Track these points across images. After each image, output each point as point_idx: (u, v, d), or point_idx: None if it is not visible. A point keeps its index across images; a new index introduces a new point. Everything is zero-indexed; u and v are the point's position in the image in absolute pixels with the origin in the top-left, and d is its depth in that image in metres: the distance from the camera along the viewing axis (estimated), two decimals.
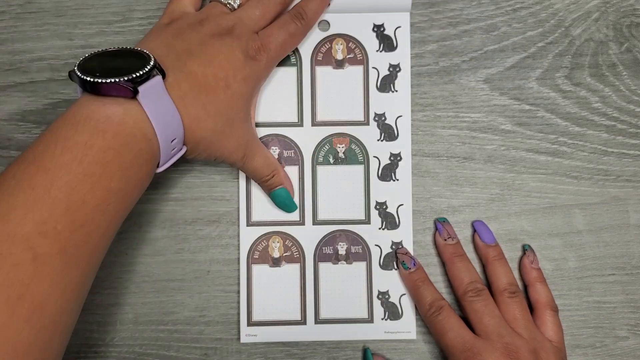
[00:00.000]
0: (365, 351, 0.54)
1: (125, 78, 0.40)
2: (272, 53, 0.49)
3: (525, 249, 0.55)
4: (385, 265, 0.55)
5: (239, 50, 0.47)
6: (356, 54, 0.55)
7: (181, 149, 0.46)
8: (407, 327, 0.54)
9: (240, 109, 0.48)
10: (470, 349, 0.48)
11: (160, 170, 0.45)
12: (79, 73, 0.41)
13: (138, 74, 0.40)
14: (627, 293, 0.55)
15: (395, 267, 0.55)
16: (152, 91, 0.41)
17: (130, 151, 0.41)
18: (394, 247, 0.55)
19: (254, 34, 0.48)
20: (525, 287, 0.54)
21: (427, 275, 0.53)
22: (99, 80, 0.40)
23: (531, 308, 0.53)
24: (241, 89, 0.47)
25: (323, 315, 0.54)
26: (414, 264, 0.53)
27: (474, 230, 0.55)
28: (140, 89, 0.40)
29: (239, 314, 0.54)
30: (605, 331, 0.55)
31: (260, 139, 0.55)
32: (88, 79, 0.40)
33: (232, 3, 0.50)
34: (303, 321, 0.54)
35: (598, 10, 0.56)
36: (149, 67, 0.41)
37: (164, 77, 0.43)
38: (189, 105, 0.44)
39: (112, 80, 0.40)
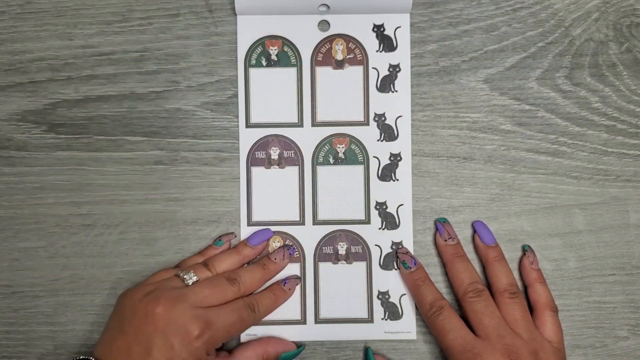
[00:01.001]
0: (366, 350, 0.54)
1: None
2: (216, 333, 0.48)
3: (525, 249, 0.55)
4: (385, 265, 0.55)
5: (175, 335, 0.46)
6: (356, 54, 0.55)
7: None
8: (407, 327, 0.54)
9: None
10: (471, 350, 0.48)
11: None
12: None
13: None
14: (627, 293, 0.55)
15: (396, 267, 0.55)
16: None
17: None
18: (394, 247, 0.55)
19: (199, 309, 0.48)
20: (525, 287, 0.54)
21: (427, 275, 0.53)
22: None
23: (531, 309, 0.53)
24: None
25: (323, 315, 0.54)
26: (415, 264, 0.53)
27: (474, 231, 0.55)
28: None
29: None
30: (606, 331, 0.55)
31: (261, 139, 0.55)
32: None
33: (187, 278, 0.50)
34: (303, 321, 0.54)
35: (598, 10, 0.56)
36: None
37: None
38: None
39: None
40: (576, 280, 0.55)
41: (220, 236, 0.54)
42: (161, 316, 0.46)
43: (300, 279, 0.55)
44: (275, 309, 0.53)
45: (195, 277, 0.50)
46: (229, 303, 0.50)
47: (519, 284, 0.54)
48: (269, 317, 0.54)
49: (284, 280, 0.54)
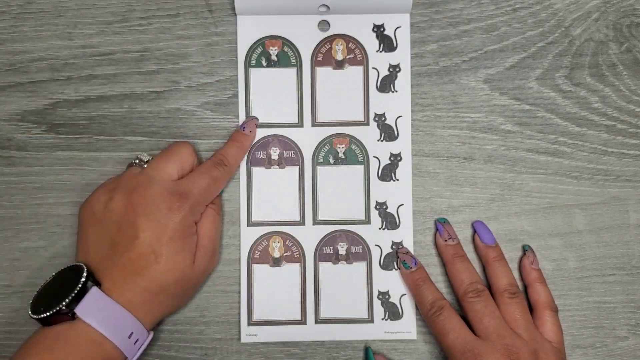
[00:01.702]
0: (366, 350, 0.54)
1: (56, 309, 0.44)
2: (196, 198, 0.49)
3: (525, 249, 0.55)
4: (385, 265, 0.55)
5: (158, 212, 0.47)
6: (356, 55, 0.55)
7: (147, 337, 0.48)
8: (408, 327, 0.54)
9: (179, 264, 0.48)
10: (471, 350, 0.48)
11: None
12: (29, 313, 0.45)
13: (68, 300, 0.44)
14: (627, 293, 0.55)
15: (396, 267, 0.55)
16: (91, 304, 0.45)
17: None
18: (394, 247, 0.55)
19: (172, 183, 0.49)
20: (525, 287, 0.54)
21: (428, 275, 0.53)
22: (36, 317, 0.45)
23: (531, 308, 0.53)
24: (172, 250, 0.47)
25: (323, 315, 0.54)
26: (415, 264, 0.53)
27: (474, 231, 0.55)
28: (78, 309, 0.44)
29: (239, 313, 0.54)
30: (605, 331, 0.55)
31: (261, 139, 0.55)
32: (33, 316, 0.45)
33: (142, 158, 0.51)
34: (303, 321, 0.54)
35: (598, 10, 0.56)
36: (80, 286, 0.45)
37: (100, 284, 0.46)
38: (133, 297, 0.46)
39: (45, 315, 0.44)
40: (576, 280, 0.55)
41: (243, 123, 0.55)
42: (137, 203, 0.47)
43: (257, 117, 0.55)
44: (245, 154, 0.54)
45: (148, 157, 0.52)
46: (197, 168, 0.51)
47: (519, 284, 0.54)
48: (269, 318, 0.54)
49: (242, 126, 0.54)
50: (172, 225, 0.47)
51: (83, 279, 0.45)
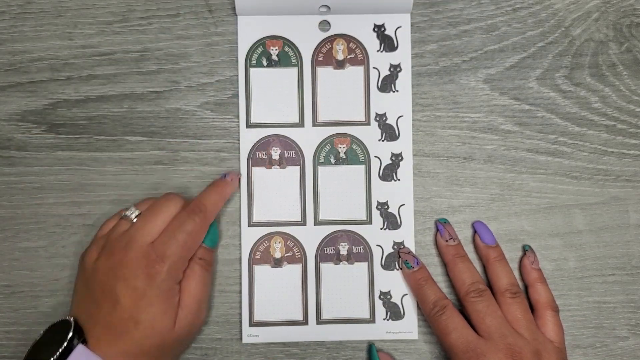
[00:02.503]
0: (370, 347, 0.54)
1: None
2: (173, 258, 0.48)
3: (526, 249, 0.55)
4: (387, 265, 0.55)
5: (136, 278, 0.47)
6: (357, 54, 0.55)
7: None
8: (409, 327, 0.54)
9: (159, 330, 0.47)
10: (474, 350, 0.48)
11: None
12: None
13: (55, 357, 0.44)
14: (627, 293, 0.55)
15: (398, 267, 0.55)
16: None
17: None
18: (395, 247, 0.55)
19: (148, 247, 0.48)
20: (526, 287, 0.54)
21: (430, 275, 0.53)
22: None
23: (532, 308, 0.53)
24: (150, 316, 0.47)
25: (325, 315, 0.54)
26: (417, 263, 0.54)
27: (474, 231, 0.55)
28: None
29: (240, 314, 0.54)
30: (606, 331, 0.55)
31: (261, 139, 0.55)
32: None
33: (129, 215, 0.51)
34: (305, 321, 0.54)
35: (598, 10, 0.56)
36: (66, 343, 0.45)
37: (85, 341, 0.46)
38: (116, 358, 0.46)
39: None
40: (576, 280, 0.55)
41: (225, 173, 0.54)
42: (117, 266, 0.47)
43: (240, 173, 0.55)
44: (224, 201, 0.53)
45: (137, 211, 0.51)
46: (171, 223, 0.49)
47: (520, 284, 0.54)
48: (270, 318, 0.54)
49: (224, 175, 0.54)
50: (150, 291, 0.47)
51: (70, 335, 0.45)
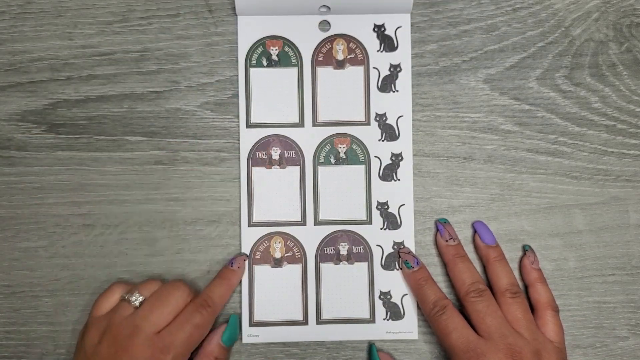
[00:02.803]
0: (370, 347, 0.54)
1: None
2: (179, 350, 0.48)
3: (526, 249, 0.55)
4: (387, 265, 0.55)
5: None
6: (357, 54, 0.55)
7: None
8: (409, 327, 0.54)
9: None
10: (474, 350, 0.48)
11: None
12: None
13: None
14: (627, 293, 0.55)
15: (398, 267, 0.55)
16: None
17: None
18: (395, 247, 0.55)
19: (155, 337, 0.48)
20: (526, 287, 0.54)
21: (430, 275, 0.53)
22: None
23: (532, 308, 0.53)
24: None
25: (325, 315, 0.54)
26: (418, 263, 0.54)
27: (474, 231, 0.55)
28: None
29: (240, 314, 0.54)
30: (606, 331, 0.55)
31: (261, 139, 0.55)
32: None
33: (132, 300, 0.50)
34: (305, 321, 0.54)
35: (598, 10, 0.56)
36: None
37: None
38: None
39: None
40: (576, 280, 0.55)
41: (232, 259, 0.54)
42: (121, 354, 0.47)
43: (247, 255, 0.54)
44: (232, 292, 0.53)
45: (140, 297, 0.50)
46: (180, 315, 0.49)
47: (520, 283, 0.54)
48: (270, 318, 0.54)
49: (230, 262, 0.54)
50: None
51: None
